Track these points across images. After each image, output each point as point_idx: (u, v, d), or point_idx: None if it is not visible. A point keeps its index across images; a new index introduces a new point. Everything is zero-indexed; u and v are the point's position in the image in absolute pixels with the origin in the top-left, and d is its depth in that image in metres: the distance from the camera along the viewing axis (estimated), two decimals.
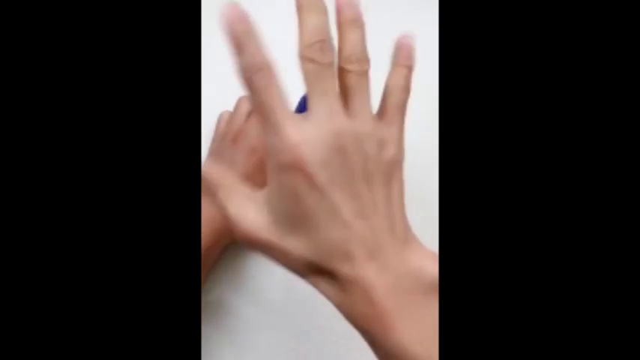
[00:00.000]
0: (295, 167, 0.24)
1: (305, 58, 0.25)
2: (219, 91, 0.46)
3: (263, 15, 0.52)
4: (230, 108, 0.46)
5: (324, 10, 0.26)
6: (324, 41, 0.25)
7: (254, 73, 0.25)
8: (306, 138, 0.25)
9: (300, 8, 0.26)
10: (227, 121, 0.45)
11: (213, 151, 0.44)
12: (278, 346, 0.41)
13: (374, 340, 0.25)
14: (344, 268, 0.25)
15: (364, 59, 0.27)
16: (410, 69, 0.28)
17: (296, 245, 0.26)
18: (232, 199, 0.27)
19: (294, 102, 0.41)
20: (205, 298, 0.41)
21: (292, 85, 0.44)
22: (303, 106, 0.40)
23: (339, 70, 0.27)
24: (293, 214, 0.25)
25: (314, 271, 0.26)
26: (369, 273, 0.25)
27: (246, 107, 0.45)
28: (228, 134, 0.43)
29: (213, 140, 0.45)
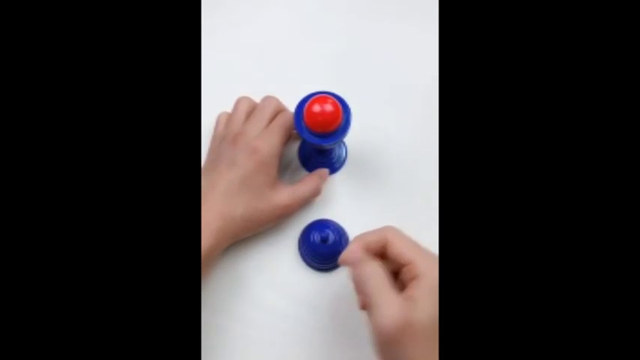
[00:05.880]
0: None
1: None
2: (219, 91, 0.46)
3: (263, 15, 0.52)
4: (229, 109, 0.46)
5: None
6: None
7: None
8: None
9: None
10: (225, 123, 0.45)
11: (213, 153, 0.44)
12: (277, 347, 0.41)
13: None
14: None
15: None
16: None
17: None
18: (381, 296, 0.32)
19: (294, 102, 0.41)
20: (205, 300, 0.41)
21: (293, 85, 0.44)
22: (302, 107, 0.40)
23: None
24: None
25: None
26: None
27: (244, 108, 0.45)
28: (227, 136, 0.43)
29: (213, 141, 0.45)
